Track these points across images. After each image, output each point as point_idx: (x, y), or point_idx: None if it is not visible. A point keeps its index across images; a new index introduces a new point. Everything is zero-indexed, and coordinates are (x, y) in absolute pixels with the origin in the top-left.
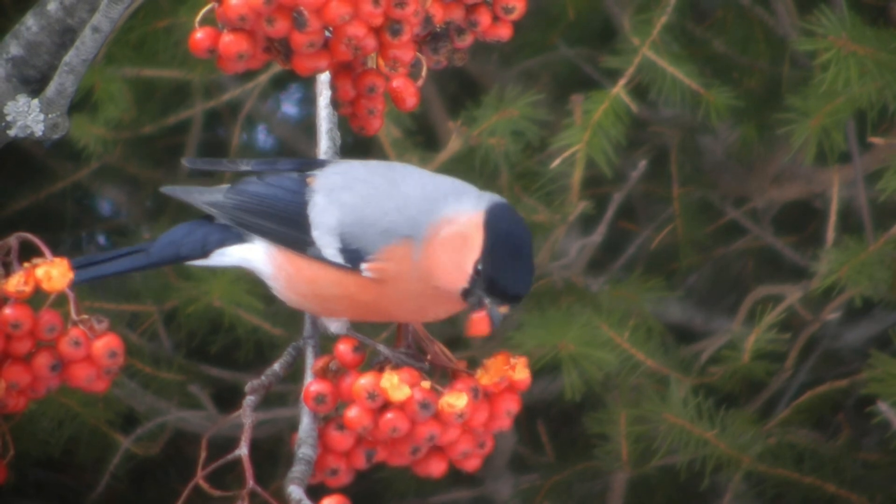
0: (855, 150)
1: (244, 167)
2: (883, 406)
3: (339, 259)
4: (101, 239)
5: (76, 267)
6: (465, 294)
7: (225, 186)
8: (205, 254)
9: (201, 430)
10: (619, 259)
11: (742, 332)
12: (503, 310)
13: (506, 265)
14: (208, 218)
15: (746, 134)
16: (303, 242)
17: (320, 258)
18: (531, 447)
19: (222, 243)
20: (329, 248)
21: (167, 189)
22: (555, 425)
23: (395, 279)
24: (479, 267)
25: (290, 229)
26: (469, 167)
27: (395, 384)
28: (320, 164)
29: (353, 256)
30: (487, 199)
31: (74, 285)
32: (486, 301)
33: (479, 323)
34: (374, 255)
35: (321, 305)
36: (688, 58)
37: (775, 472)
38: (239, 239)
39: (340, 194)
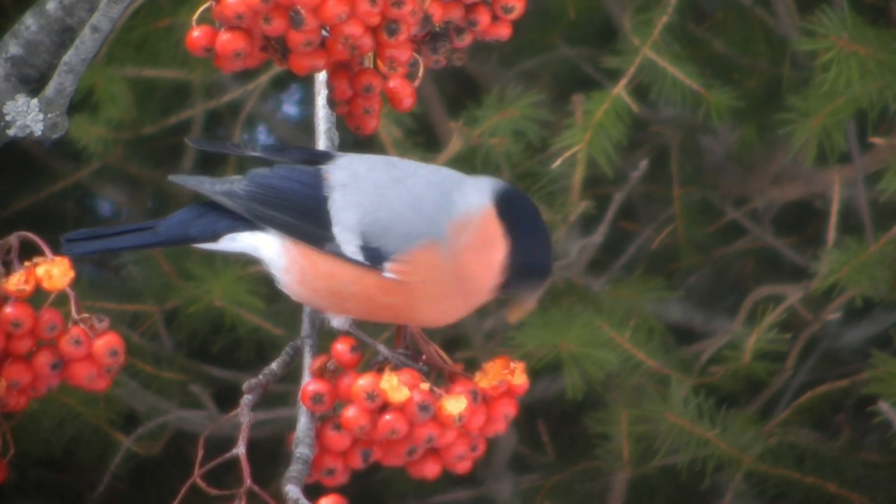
0: (855, 150)
1: (251, 152)
2: (884, 406)
3: (359, 257)
4: None
5: (82, 238)
6: (500, 287)
7: (237, 177)
8: (215, 237)
9: (202, 430)
10: (619, 259)
11: (743, 332)
12: (534, 292)
13: (531, 246)
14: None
15: (747, 134)
16: (321, 238)
17: (339, 254)
18: (532, 447)
19: (233, 228)
20: (349, 244)
21: (176, 178)
22: (555, 425)
23: (424, 283)
24: (510, 258)
25: (310, 224)
26: (470, 167)
27: (395, 385)
28: (328, 156)
29: (374, 255)
30: (488, 186)
31: (81, 257)
32: (523, 287)
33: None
34: (398, 256)
35: (334, 302)
36: (688, 58)
37: (776, 472)
38: (250, 226)
39: (351, 193)
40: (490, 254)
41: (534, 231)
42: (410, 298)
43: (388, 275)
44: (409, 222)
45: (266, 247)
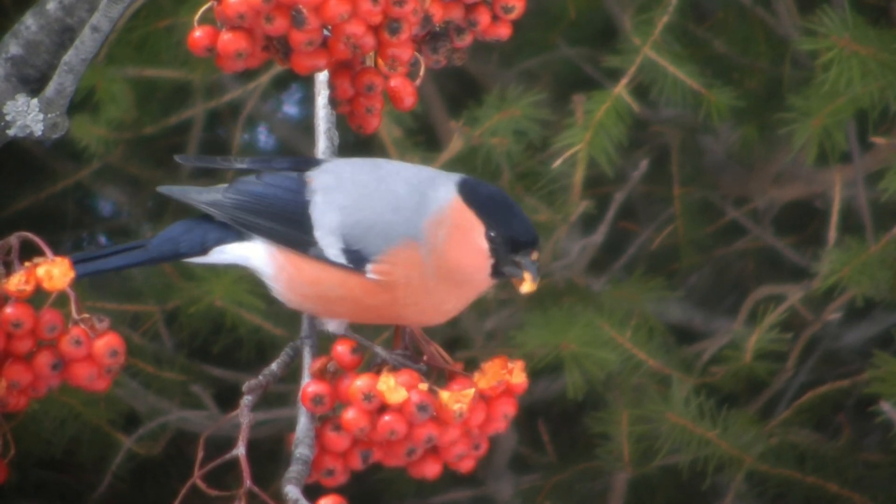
0: (856, 150)
1: (239, 165)
2: (885, 406)
3: (341, 259)
4: (102, 239)
5: (75, 262)
6: (496, 269)
7: (223, 186)
8: (204, 251)
9: (203, 430)
10: (620, 259)
11: (743, 332)
12: (535, 257)
13: (508, 220)
14: (208, 215)
15: (747, 134)
16: (305, 243)
17: (323, 258)
18: (532, 447)
19: (221, 241)
20: (332, 248)
21: (165, 189)
22: (556, 425)
23: (407, 282)
24: (491, 235)
25: (293, 229)
26: (471, 167)
27: (392, 386)
28: (315, 162)
29: (356, 258)
30: (451, 180)
31: (73, 281)
32: (518, 260)
33: (524, 282)
34: (379, 257)
35: (324, 307)
36: (689, 58)
37: (777, 472)
38: (238, 237)
39: (335, 195)
40: (470, 240)
41: (504, 208)
42: (395, 298)
43: (371, 276)
44: (388, 223)
45: (255, 256)
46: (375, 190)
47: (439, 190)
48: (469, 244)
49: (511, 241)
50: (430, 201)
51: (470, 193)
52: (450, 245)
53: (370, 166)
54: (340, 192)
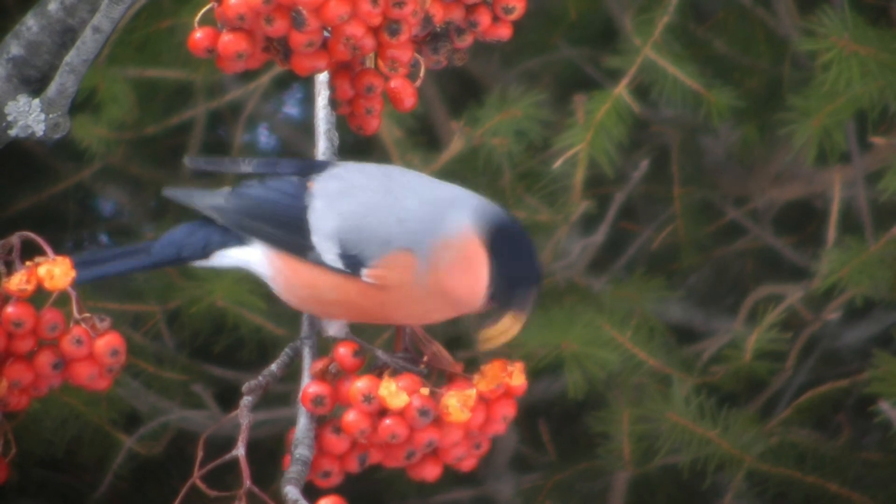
0: (855, 150)
1: (245, 168)
2: (885, 405)
3: (338, 264)
4: (104, 239)
5: (77, 265)
6: (489, 300)
7: (226, 189)
8: (206, 255)
9: (204, 430)
10: (620, 259)
11: (743, 331)
12: (526, 303)
13: (515, 256)
14: (211, 218)
15: (747, 134)
16: (302, 247)
17: (319, 263)
18: (533, 447)
19: (223, 245)
20: (329, 253)
21: (169, 192)
22: (557, 425)
23: (399, 287)
24: (494, 270)
25: (290, 234)
26: (472, 167)
27: (393, 391)
28: (320, 166)
29: (353, 262)
30: (470, 206)
31: (76, 285)
32: (511, 300)
33: (492, 336)
34: (375, 262)
35: (320, 309)
36: (689, 58)
37: (777, 471)
38: (239, 241)
39: (338, 201)
40: (472, 271)
41: (517, 245)
42: (389, 301)
43: (366, 279)
44: (390, 233)
45: (254, 260)
46: (382, 200)
47: (454, 214)
48: (471, 275)
49: (512, 280)
50: (442, 223)
51: (484, 223)
52: (451, 270)
53: (382, 177)
54: (346, 198)
